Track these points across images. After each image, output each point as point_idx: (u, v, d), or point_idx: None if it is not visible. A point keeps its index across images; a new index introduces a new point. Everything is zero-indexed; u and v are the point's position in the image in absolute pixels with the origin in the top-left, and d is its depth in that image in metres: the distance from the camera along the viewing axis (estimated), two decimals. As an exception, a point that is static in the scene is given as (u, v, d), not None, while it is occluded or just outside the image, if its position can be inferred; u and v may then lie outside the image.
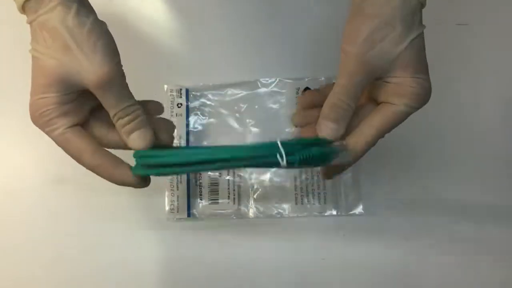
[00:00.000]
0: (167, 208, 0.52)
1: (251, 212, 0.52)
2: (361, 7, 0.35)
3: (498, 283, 0.51)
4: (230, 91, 0.54)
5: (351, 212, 0.52)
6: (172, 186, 0.52)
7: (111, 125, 0.38)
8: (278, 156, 0.34)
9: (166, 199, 0.52)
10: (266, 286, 0.51)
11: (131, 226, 0.52)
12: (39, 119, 0.36)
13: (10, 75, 0.54)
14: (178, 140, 0.53)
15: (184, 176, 0.52)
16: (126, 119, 0.37)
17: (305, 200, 0.52)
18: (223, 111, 0.54)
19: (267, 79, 0.54)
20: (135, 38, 0.55)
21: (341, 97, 0.36)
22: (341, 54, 0.36)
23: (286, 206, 0.52)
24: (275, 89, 0.54)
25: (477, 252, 0.51)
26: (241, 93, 0.54)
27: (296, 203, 0.52)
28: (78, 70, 0.34)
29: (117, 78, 0.35)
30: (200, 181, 0.53)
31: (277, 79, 0.54)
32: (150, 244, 0.52)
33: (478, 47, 0.55)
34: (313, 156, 0.35)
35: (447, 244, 0.52)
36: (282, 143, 0.35)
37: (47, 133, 0.36)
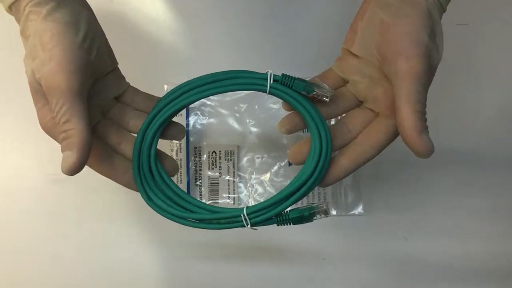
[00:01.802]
0: (167, 208, 0.52)
1: (251, 212, 0.52)
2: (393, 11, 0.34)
3: (499, 280, 0.51)
4: (230, 91, 0.54)
5: (351, 212, 0.52)
6: (172, 186, 0.52)
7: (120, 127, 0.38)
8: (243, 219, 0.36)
9: (166, 199, 0.52)
10: (266, 286, 0.51)
11: (131, 226, 0.52)
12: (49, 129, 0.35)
13: (10, 76, 0.54)
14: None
15: (184, 176, 0.52)
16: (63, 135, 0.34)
17: (305, 200, 0.52)
18: (223, 111, 0.54)
19: (267, 79, 0.54)
20: (135, 38, 0.55)
21: (421, 108, 0.33)
22: (390, 65, 0.34)
23: (286, 206, 0.52)
24: (275, 89, 0.54)
25: (477, 252, 0.51)
26: (241, 93, 0.54)
27: (296, 203, 0.52)
28: (40, 75, 0.34)
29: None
30: (200, 181, 0.53)
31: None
32: (150, 244, 0.52)
33: (478, 47, 0.55)
34: (290, 218, 0.37)
35: (447, 244, 0.52)
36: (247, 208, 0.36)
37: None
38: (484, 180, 0.53)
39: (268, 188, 0.53)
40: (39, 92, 0.34)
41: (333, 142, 0.37)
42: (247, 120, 0.54)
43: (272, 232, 0.53)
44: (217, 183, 0.53)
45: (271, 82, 0.37)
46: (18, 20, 0.35)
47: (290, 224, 0.37)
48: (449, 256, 0.51)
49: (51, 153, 0.53)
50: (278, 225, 0.37)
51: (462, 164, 0.53)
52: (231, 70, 0.38)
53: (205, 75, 0.37)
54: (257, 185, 0.53)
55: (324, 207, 0.37)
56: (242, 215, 0.35)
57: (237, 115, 0.54)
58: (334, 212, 0.52)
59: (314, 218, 0.37)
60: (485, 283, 0.51)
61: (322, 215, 0.37)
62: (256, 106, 0.54)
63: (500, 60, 0.55)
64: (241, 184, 0.53)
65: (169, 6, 0.56)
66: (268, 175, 0.53)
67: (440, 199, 0.52)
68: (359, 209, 0.52)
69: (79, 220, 0.52)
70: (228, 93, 0.54)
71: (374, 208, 0.52)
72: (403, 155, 0.53)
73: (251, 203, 0.52)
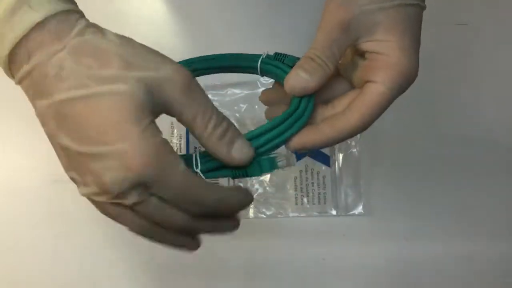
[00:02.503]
0: (167, 208, 0.52)
1: (251, 212, 0.52)
2: None
3: (499, 281, 0.51)
4: (230, 91, 0.54)
5: (351, 212, 0.52)
6: (172, 186, 0.52)
7: None
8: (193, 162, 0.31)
9: (166, 199, 0.52)
10: (266, 286, 0.51)
11: (131, 226, 0.52)
12: (155, 156, 0.26)
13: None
14: (178, 140, 0.53)
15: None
16: (223, 126, 0.30)
17: (305, 200, 0.52)
18: (223, 111, 0.53)
19: (267, 79, 0.54)
20: (135, 38, 0.55)
21: (316, 53, 0.32)
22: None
23: (286, 206, 0.52)
24: (275, 89, 0.54)
25: (477, 252, 0.51)
26: (241, 93, 0.54)
27: (296, 203, 0.52)
28: (157, 85, 0.27)
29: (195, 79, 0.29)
30: (200, 181, 0.53)
31: (277, 79, 0.54)
32: (150, 244, 0.52)
33: (477, 47, 0.55)
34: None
35: (447, 244, 0.52)
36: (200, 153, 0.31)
37: (167, 172, 0.27)
38: (484, 180, 0.53)
39: (268, 188, 0.53)
40: (142, 109, 0.26)
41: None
42: (247, 120, 0.54)
43: (272, 232, 0.53)
44: (217, 183, 0.52)
45: (264, 57, 0.36)
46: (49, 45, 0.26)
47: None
48: (449, 257, 0.51)
49: (51, 153, 0.53)
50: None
51: (462, 164, 0.53)
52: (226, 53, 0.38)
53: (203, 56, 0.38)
54: (257, 185, 0.53)
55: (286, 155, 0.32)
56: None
57: (237, 115, 0.54)
58: (334, 212, 0.52)
59: (278, 160, 0.32)
60: (486, 283, 0.51)
61: (284, 160, 0.32)
62: (256, 106, 0.54)
63: (500, 60, 0.55)
64: (241, 185, 0.53)
65: (169, 7, 0.57)
66: (268, 175, 0.53)
67: (440, 199, 0.52)
68: (359, 209, 0.52)
69: (79, 220, 0.52)
70: (228, 93, 0.55)
71: (374, 208, 0.52)
72: (403, 155, 0.53)
73: (252, 203, 0.52)
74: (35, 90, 0.27)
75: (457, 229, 0.52)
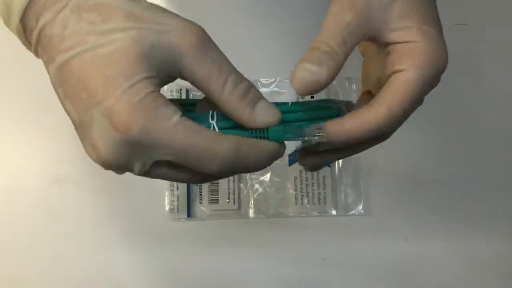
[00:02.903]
0: (167, 208, 0.52)
1: (251, 212, 0.52)
2: None
3: (499, 281, 0.51)
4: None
5: (351, 212, 0.52)
6: (172, 186, 0.52)
7: None
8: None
9: (166, 199, 0.52)
10: (265, 286, 0.51)
11: (131, 226, 0.52)
12: (141, 111, 0.24)
13: (9, 76, 0.54)
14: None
15: (184, 176, 0.52)
16: (245, 85, 0.27)
17: (305, 200, 0.52)
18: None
19: (267, 79, 0.54)
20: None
21: (324, 40, 0.28)
22: None
23: (286, 206, 0.52)
24: (275, 89, 0.54)
25: (477, 252, 0.51)
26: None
27: (296, 203, 0.52)
28: (162, 39, 0.25)
29: (207, 34, 0.27)
30: (200, 181, 0.53)
31: (277, 79, 0.54)
32: (150, 244, 0.52)
33: (477, 47, 0.55)
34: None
35: (447, 244, 0.52)
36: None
37: (155, 127, 0.24)
38: (485, 180, 0.53)
39: (268, 188, 0.53)
40: (143, 59, 0.25)
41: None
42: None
43: (272, 232, 0.53)
44: (217, 183, 0.53)
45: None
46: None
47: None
48: (449, 256, 0.51)
49: (51, 153, 0.53)
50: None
51: (462, 164, 0.53)
52: None
53: None
54: (257, 185, 0.53)
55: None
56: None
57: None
58: (334, 212, 0.52)
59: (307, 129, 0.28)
60: (486, 283, 0.51)
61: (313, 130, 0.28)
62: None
63: (501, 60, 0.55)
64: (241, 184, 0.53)
65: (168, 7, 0.56)
66: (268, 175, 0.53)
67: (441, 199, 0.52)
68: (359, 209, 0.52)
69: (79, 220, 0.52)
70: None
71: (374, 208, 0.52)
72: (403, 155, 0.53)
73: (252, 203, 0.52)
74: (46, 55, 0.26)
75: (457, 229, 0.52)
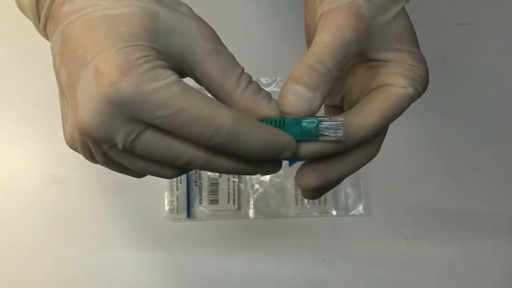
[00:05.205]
0: (166, 208, 0.52)
1: (251, 212, 0.52)
2: None
3: (500, 281, 0.51)
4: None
5: (351, 213, 0.52)
6: (171, 186, 0.52)
7: None
8: None
9: (166, 199, 0.52)
10: (266, 286, 0.51)
11: (131, 226, 0.52)
12: (136, 67, 0.23)
13: (9, 76, 0.54)
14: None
15: (184, 176, 0.52)
16: (255, 82, 0.27)
17: (305, 200, 0.52)
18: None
19: (267, 79, 0.54)
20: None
21: (321, 58, 0.25)
22: (321, 10, 0.27)
23: (286, 206, 0.52)
24: (275, 89, 0.54)
25: (477, 252, 0.51)
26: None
27: (296, 204, 0.52)
28: (181, 29, 0.25)
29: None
30: (200, 181, 0.53)
31: (277, 79, 0.54)
32: (150, 244, 0.52)
33: (479, 47, 0.55)
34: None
35: (447, 244, 0.52)
36: None
37: (149, 85, 0.23)
38: (485, 180, 0.53)
39: (268, 188, 0.53)
40: (150, 32, 0.25)
41: None
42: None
43: (272, 232, 0.53)
44: (217, 183, 0.52)
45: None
46: None
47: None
48: (450, 257, 0.51)
49: (51, 153, 0.53)
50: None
51: (462, 164, 0.53)
52: None
53: None
54: (257, 185, 0.53)
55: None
56: None
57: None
58: (334, 213, 0.52)
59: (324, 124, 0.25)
60: (486, 283, 0.51)
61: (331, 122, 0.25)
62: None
63: (502, 60, 0.55)
64: (241, 185, 0.53)
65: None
66: (268, 175, 0.53)
67: (441, 199, 0.52)
68: (359, 210, 0.52)
69: (79, 220, 0.52)
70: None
71: (374, 209, 0.52)
72: (403, 155, 0.53)
73: (251, 203, 0.52)
74: (54, 23, 0.25)
75: (457, 229, 0.52)
